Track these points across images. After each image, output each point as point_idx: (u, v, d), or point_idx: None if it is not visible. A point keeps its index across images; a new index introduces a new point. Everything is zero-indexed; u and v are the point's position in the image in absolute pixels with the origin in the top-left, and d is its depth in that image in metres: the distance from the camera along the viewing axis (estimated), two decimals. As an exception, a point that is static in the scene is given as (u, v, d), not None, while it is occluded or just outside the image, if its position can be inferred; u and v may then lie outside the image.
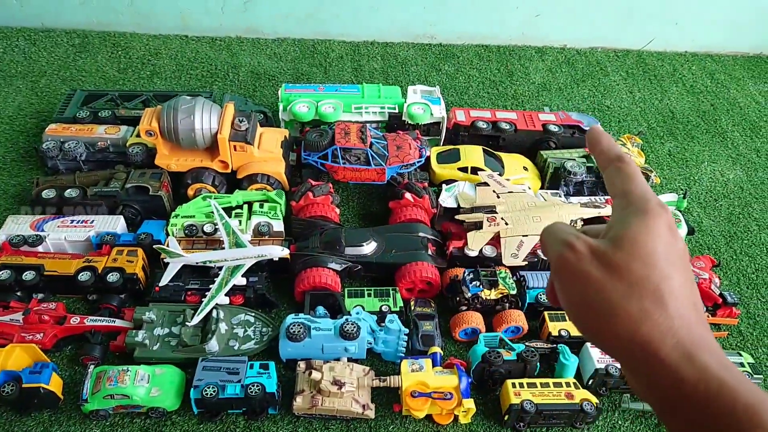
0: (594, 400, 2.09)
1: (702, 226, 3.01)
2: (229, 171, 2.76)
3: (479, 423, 2.16)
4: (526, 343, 2.28)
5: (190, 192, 2.74)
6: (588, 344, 2.28)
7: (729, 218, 3.08)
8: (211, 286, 2.34)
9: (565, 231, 0.72)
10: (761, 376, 2.30)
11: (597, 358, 2.21)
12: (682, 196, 2.90)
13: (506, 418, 2.11)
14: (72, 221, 2.50)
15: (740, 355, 2.36)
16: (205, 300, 2.29)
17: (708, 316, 2.49)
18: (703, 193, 3.23)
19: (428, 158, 2.98)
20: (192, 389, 2.01)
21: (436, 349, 2.25)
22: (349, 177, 2.83)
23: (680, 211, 2.84)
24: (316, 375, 2.05)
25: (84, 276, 2.30)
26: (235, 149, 2.69)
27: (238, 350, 2.23)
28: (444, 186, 2.83)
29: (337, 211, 2.74)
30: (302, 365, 2.13)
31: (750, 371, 2.28)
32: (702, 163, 3.42)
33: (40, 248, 2.42)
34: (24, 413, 2.04)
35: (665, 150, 3.49)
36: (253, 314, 2.35)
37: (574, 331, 2.33)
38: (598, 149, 0.78)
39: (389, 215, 2.80)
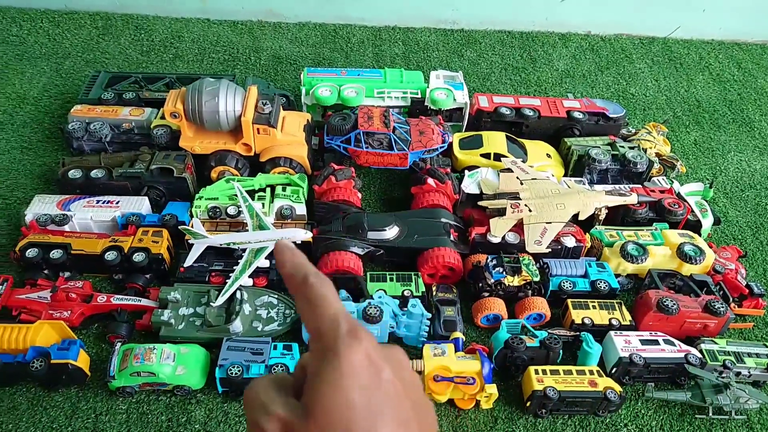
0: (618, 388, 2.08)
1: (728, 217, 2.97)
2: (252, 154, 2.76)
3: (501, 408, 2.16)
4: (549, 330, 2.27)
5: (214, 174, 2.75)
6: (612, 333, 2.26)
7: (755, 209, 3.04)
8: (234, 267, 2.35)
9: (259, 405, 0.59)
10: (787, 368, 2.27)
11: (621, 346, 2.20)
12: (708, 185, 2.86)
13: (528, 404, 2.11)
14: (98, 201, 2.53)
15: (766, 346, 2.34)
16: (229, 281, 2.31)
17: (734, 307, 2.46)
18: (729, 183, 3.18)
19: (450, 144, 2.96)
20: (217, 368, 2.03)
21: (458, 334, 2.25)
22: (371, 161, 2.82)
23: (706, 201, 2.80)
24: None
25: (110, 255, 2.32)
26: (258, 132, 2.69)
27: (262, 331, 2.24)
28: (466, 172, 2.82)
29: (359, 195, 2.74)
30: (325, 347, 2.14)
31: (776, 363, 2.26)
32: (728, 152, 3.37)
33: (66, 227, 2.45)
34: (52, 389, 2.08)
35: (691, 139, 3.43)
36: (276, 296, 2.36)
37: (598, 320, 2.32)
38: (284, 272, 0.65)
39: (410, 200, 2.79)
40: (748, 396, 2.14)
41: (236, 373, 2.00)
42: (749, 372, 2.25)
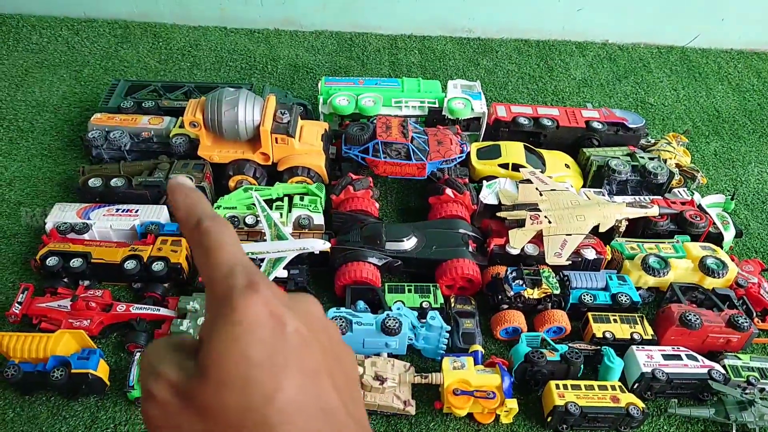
0: (640, 404, 2.05)
1: (749, 229, 2.93)
2: (270, 163, 2.76)
3: (520, 423, 2.13)
4: (570, 344, 2.24)
5: (232, 183, 2.76)
6: (634, 347, 2.24)
7: (778, 221, 3.00)
8: (253, 277, 2.34)
9: (148, 367, 0.54)
10: (813, 386, 2.23)
11: (643, 361, 2.17)
12: (729, 197, 2.83)
13: (549, 419, 2.08)
14: (117, 210, 2.54)
15: (791, 362, 2.30)
16: (247, 291, 2.30)
17: (758, 322, 2.42)
18: (750, 194, 3.14)
19: (468, 154, 2.94)
20: (236, 380, 2.02)
21: (478, 347, 2.23)
22: (389, 171, 2.81)
23: (728, 213, 2.77)
24: (358, 369, 2.05)
25: (130, 264, 2.33)
26: (276, 141, 2.69)
27: (280, 342, 2.23)
28: (485, 182, 2.80)
29: (377, 205, 2.73)
30: (344, 359, 2.13)
31: (801, 380, 2.22)
32: (749, 163, 3.33)
33: (86, 236, 2.46)
34: (72, 398, 2.08)
35: (711, 150, 3.40)
36: (294, 307, 2.35)
37: (619, 334, 2.29)
38: (178, 216, 0.58)
39: (427, 210, 2.78)
40: (774, 413, 2.10)
41: (255, 385, 1.99)
42: (774, 389, 2.21)
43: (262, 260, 2.40)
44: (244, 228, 2.55)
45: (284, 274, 2.39)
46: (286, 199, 2.68)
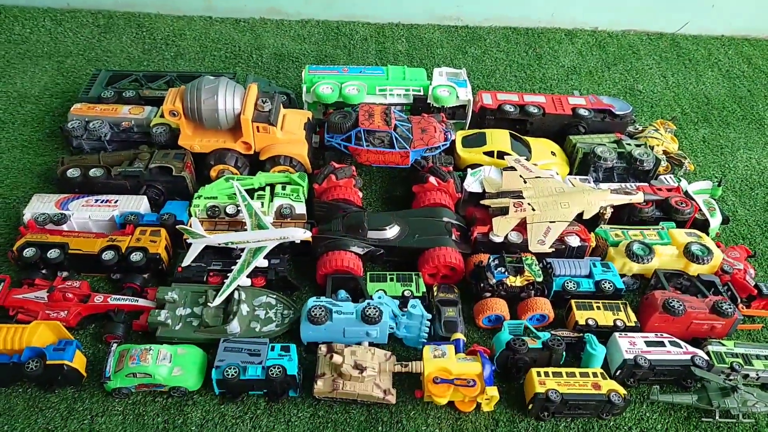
0: (622, 391, 2.03)
1: (737, 215, 2.91)
2: (251, 152, 2.73)
3: (502, 411, 2.12)
4: (552, 332, 2.22)
5: (213, 173, 2.73)
6: (617, 334, 2.22)
7: (765, 207, 2.97)
8: (233, 267, 2.32)
9: None
10: (797, 371, 2.22)
11: (626, 348, 2.15)
12: (716, 183, 2.80)
13: (530, 407, 2.06)
14: (96, 200, 2.51)
15: (775, 348, 2.28)
16: (227, 281, 2.28)
17: (742, 308, 2.40)
18: (738, 181, 3.11)
19: (453, 142, 2.91)
20: (214, 369, 2.00)
21: (459, 335, 2.21)
22: (372, 160, 2.78)
23: (715, 200, 2.75)
24: (337, 358, 2.03)
25: (108, 255, 2.30)
26: (258, 130, 2.66)
27: (260, 332, 2.22)
28: (469, 170, 2.78)
29: (360, 194, 2.70)
30: (323, 348, 2.11)
31: (785, 366, 2.20)
32: (738, 150, 3.30)
33: (64, 227, 2.44)
34: (48, 389, 2.06)
35: (699, 136, 3.37)
36: (274, 296, 2.33)
37: (602, 321, 2.28)
38: None
39: (412, 199, 2.75)
40: (756, 399, 2.08)
41: (233, 375, 1.97)
42: (757, 374, 2.20)
43: (242, 250, 2.37)
44: (225, 218, 2.52)
45: (265, 263, 2.36)
46: (267, 188, 2.65)
